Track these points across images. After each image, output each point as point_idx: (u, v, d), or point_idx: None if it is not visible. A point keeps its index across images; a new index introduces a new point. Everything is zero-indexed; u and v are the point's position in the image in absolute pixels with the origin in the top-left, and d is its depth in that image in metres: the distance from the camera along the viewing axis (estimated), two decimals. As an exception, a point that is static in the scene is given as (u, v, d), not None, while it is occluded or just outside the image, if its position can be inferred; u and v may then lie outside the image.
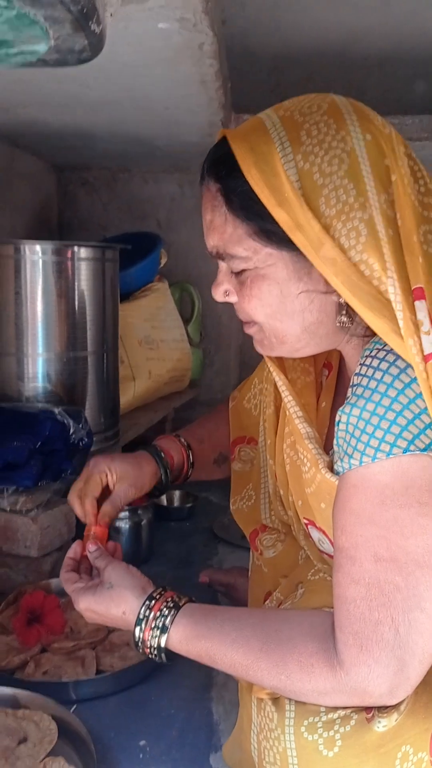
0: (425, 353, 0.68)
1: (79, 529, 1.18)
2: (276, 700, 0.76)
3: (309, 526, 0.91)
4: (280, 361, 0.95)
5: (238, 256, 0.78)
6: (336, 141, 0.74)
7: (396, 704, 0.71)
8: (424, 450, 0.69)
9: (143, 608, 0.81)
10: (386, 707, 0.71)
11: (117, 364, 1.51)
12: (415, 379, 0.69)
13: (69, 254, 1.34)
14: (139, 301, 1.80)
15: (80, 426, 1.26)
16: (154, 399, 1.82)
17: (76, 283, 1.35)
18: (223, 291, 0.83)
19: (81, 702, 0.96)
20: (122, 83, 1.19)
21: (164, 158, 1.97)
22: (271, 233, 0.75)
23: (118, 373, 1.53)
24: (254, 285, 0.79)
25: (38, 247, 1.32)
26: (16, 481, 1.17)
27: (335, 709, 0.72)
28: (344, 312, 0.78)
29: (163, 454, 1.06)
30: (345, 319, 0.78)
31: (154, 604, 0.81)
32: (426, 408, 0.69)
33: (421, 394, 0.69)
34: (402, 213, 0.73)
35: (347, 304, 0.76)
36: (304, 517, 0.92)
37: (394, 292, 0.70)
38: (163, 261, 1.88)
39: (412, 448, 0.69)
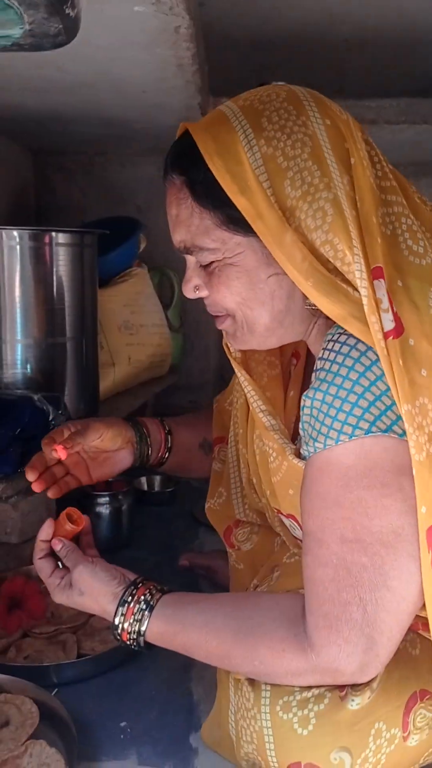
0: (385, 330, 0.69)
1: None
2: (252, 681, 0.78)
3: (279, 515, 0.93)
4: (245, 357, 0.96)
5: (206, 248, 0.79)
6: (297, 126, 0.75)
7: (368, 682, 0.73)
8: (386, 431, 0.70)
9: (117, 616, 0.82)
10: (359, 685, 0.73)
11: (96, 350, 1.51)
12: (375, 362, 0.70)
13: (47, 240, 1.34)
14: (119, 287, 1.79)
15: (59, 412, 1.26)
16: (134, 384, 1.82)
17: (54, 269, 1.34)
18: (192, 287, 0.84)
19: (62, 685, 0.97)
20: (98, 66, 1.18)
21: (141, 141, 1.96)
22: (239, 221, 0.76)
23: (98, 358, 1.53)
24: (223, 274, 0.80)
25: (15, 233, 1.31)
26: (-4, 467, 1.17)
27: (309, 688, 0.74)
28: None
29: (138, 423, 1.07)
30: (310, 302, 0.78)
31: (128, 609, 0.82)
32: (387, 390, 0.70)
33: (381, 375, 0.70)
34: (361, 195, 0.74)
35: None
36: (274, 506, 0.93)
37: (360, 269, 0.71)
38: (142, 245, 1.88)
39: (374, 429, 0.70)
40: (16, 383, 1.34)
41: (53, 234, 1.34)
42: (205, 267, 0.81)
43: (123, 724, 0.93)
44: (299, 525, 0.84)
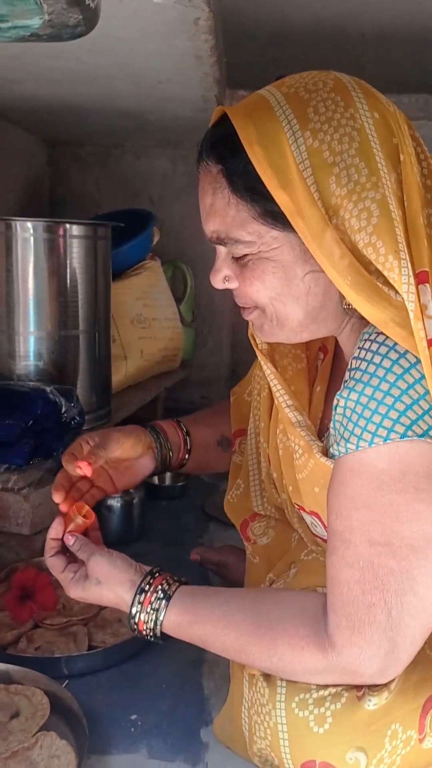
0: (429, 337, 0.67)
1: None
2: (268, 676, 0.77)
3: (300, 511, 0.92)
4: (270, 349, 0.93)
5: (241, 241, 0.76)
6: (345, 119, 0.71)
7: (386, 683, 0.73)
8: (422, 436, 0.69)
9: (134, 605, 0.81)
10: (377, 686, 0.73)
11: (109, 343, 1.51)
12: (414, 364, 0.68)
13: (61, 231, 1.33)
14: (131, 280, 1.79)
15: (72, 405, 1.26)
16: (146, 378, 1.82)
17: (67, 261, 1.34)
18: (222, 277, 0.81)
19: (73, 677, 0.97)
20: (116, 58, 1.17)
21: (156, 133, 1.95)
22: (277, 215, 0.72)
23: (110, 351, 1.52)
24: (257, 268, 0.77)
25: (29, 224, 1.31)
26: (8, 459, 1.17)
27: (326, 686, 0.74)
28: None
29: (156, 427, 1.05)
30: (347, 301, 0.76)
31: (145, 598, 0.81)
32: (425, 394, 0.68)
33: (420, 379, 0.68)
34: (409, 194, 0.71)
35: None
36: (296, 503, 0.92)
37: (407, 274, 0.68)
38: (156, 239, 1.87)
39: (409, 433, 0.69)
40: (29, 375, 1.34)
41: (67, 226, 1.34)
42: (238, 259, 0.79)
43: (134, 717, 0.93)
44: (322, 523, 0.84)
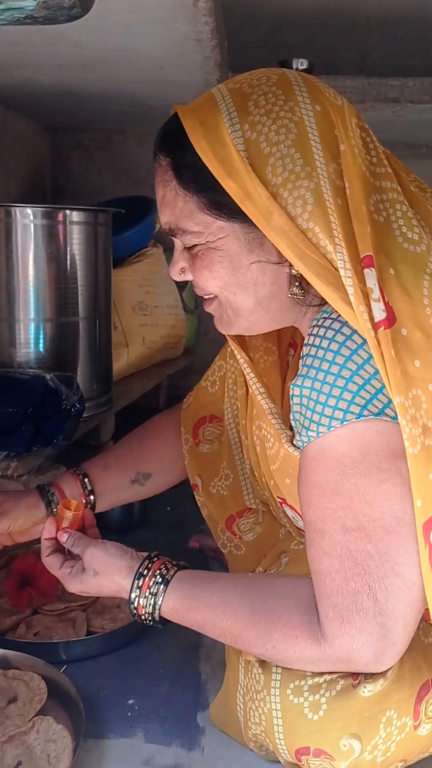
0: (375, 320, 0.68)
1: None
2: (263, 662, 0.77)
3: (283, 505, 0.92)
4: (242, 342, 0.95)
5: (189, 231, 0.79)
6: (284, 111, 0.74)
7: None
8: (378, 414, 0.69)
9: (133, 589, 0.81)
10: (373, 674, 0.73)
11: (110, 330, 1.50)
12: (362, 345, 0.69)
13: (61, 218, 1.33)
14: (133, 267, 1.78)
15: (72, 392, 1.26)
16: (148, 366, 1.82)
17: (68, 248, 1.33)
18: (179, 269, 0.84)
19: (71, 662, 0.98)
20: (115, 42, 1.16)
21: (159, 119, 1.93)
22: (222, 205, 0.75)
23: (111, 339, 1.52)
24: (206, 258, 0.79)
25: (29, 211, 1.30)
26: (8, 446, 1.17)
27: (321, 673, 0.74)
28: (297, 284, 0.78)
29: (51, 488, 1.04)
30: (296, 290, 0.78)
31: (143, 582, 0.81)
32: (376, 372, 0.69)
33: (369, 359, 0.69)
34: (351, 183, 0.73)
35: (300, 276, 0.76)
36: (277, 496, 0.93)
37: (342, 259, 0.70)
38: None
39: (365, 413, 0.69)
40: (29, 362, 1.34)
41: (67, 212, 1.33)
42: (189, 249, 0.81)
43: (131, 701, 0.93)
44: (300, 515, 0.84)
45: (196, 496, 1.08)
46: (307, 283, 0.75)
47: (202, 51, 1.20)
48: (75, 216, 1.34)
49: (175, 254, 0.84)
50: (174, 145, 0.78)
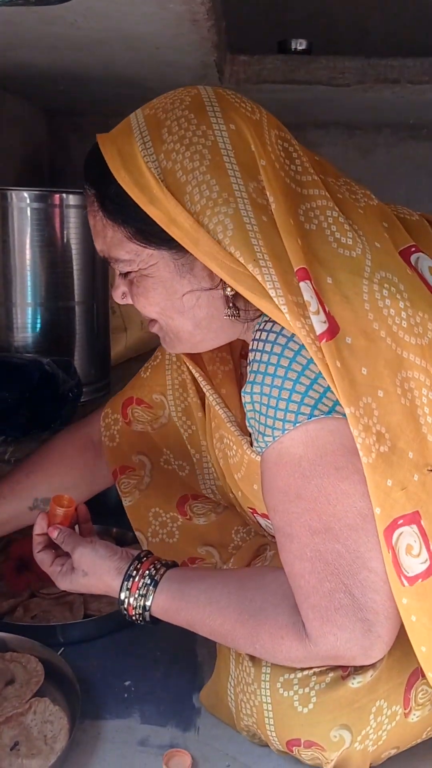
0: (317, 333, 0.68)
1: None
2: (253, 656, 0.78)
3: (255, 515, 0.92)
4: (196, 355, 0.95)
5: (121, 259, 0.79)
6: (197, 136, 0.74)
7: None
8: (328, 413, 0.69)
9: (122, 590, 0.82)
10: (362, 666, 0.73)
11: (108, 315, 1.50)
12: (303, 346, 0.69)
13: (57, 201, 1.32)
14: (132, 251, 1.77)
15: (70, 377, 1.26)
16: (147, 350, 1.80)
17: (65, 231, 1.33)
18: (120, 293, 0.84)
19: (68, 645, 0.99)
20: (111, 23, 1.14)
21: (158, 102, 1.92)
22: (149, 234, 0.75)
23: (109, 323, 1.52)
24: (141, 285, 0.80)
25: (25, 194, 1.29)
26: (5, 431, 1.17)
27: (311, 666, 0.74)
28: (230, 305, 0.78)
29: None
30: (230, 311, 0.78)
31: (132, 584, 0.81)
32: (320, 373, 0.69)
33: (311, 360, 0.69)
34: (275, 197, 0.73)
35: (234, 296, 0.76)
36: (248, 507, 0.93)
37: (270, 280, 0.69)
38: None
39: (316, 413, 0.69)
40: (27, 347, 1.34)
41: (63, 195, 1.32)
42: (125, 276, 0.82)
43: (127, 683, 0.94)
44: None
45: (120, 482, 1.05)
46: (245, 300, 0.74)
47: (198, 31, 1.18)
48: (72, 199, 1.33)
49: (116, 279, 0.84)
50: (97, 175, 0.78)
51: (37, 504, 1.05)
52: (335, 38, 1.85)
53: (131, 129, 0.77)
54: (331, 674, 0.74)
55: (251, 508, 0.92)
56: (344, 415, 0.68)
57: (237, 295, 0.76)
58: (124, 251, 0.78)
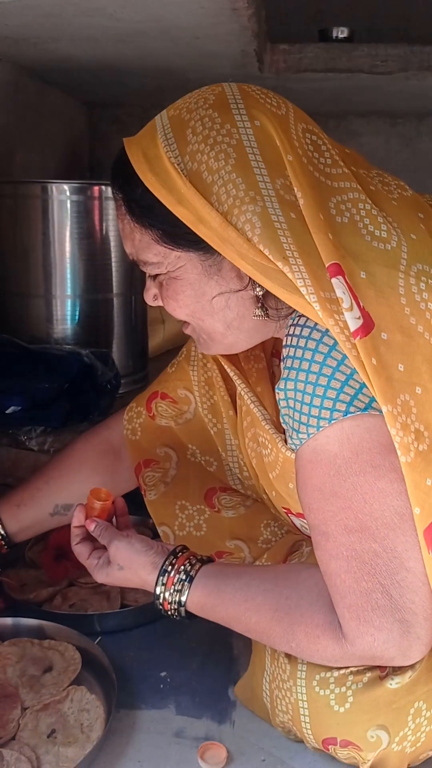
0: (351, 330, 0.66)
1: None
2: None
3: (289, 515, 0.91)
4: (233, 354, 0.93)
5: (150, 262, 0.78)
6: (221, 135, 0.72)
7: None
8: (365, 410, 0.68)
9: (158, 585, 0.81)
10: (401, 667, 0.72)
11: (145, 306, 1.51)
12: (337, 342, 0.67)
13: (96, 194, 1.33)
14: (170, 243, 1.77)
15: (108, 368, 1.27)
16: (184, 343, 1.81)
17: (103, 224, 1.34)
18: (152, 296, 0.83)
19: (105, 634, 1.00)
20: (150, 13, 1.14)
21: (197, 93, 1.91)
22: (177, 236, 0.75)
23: (147, 315, 1.53)
24: (170, 287, 0.79)
25: (65, 187, 1.31)
26: (44, 421, 1.19)
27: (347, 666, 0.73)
28: (260, 305, 0.77)
29: None
30: (260, 312, 0.77)
31: (168, 579, 0.81)
32: (354, 369, 0.67)
33: (345, 356, 0.67)
34: (303, 192, 0.71)
35: (263, 296, 0.75)
36: (282, 507, 0.92)
37: (301, 278, 0.68)
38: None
39: (351, 409, 0.68)
40: (66, 339, 1.35)
41: (103, 188, 1.33)
42: (155, 278, 0.81)
43: (163, 674, 0.94)
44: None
45: (144, 475, 1.04)
46: (276, 299, 0.73)
47: (238, 20, 1.17)
48: (110, 192, 1.34)
49: (147, 281, 0.84)
50: (124, 179, 0.77)
51: (58, 510, 1.05)
52: (377, 26, 1.82)
53: (156, 131, 0.76)
54: (368, 674, 0.73)
55: (285, 509, 0.91)
56: (381, 411, 0.67)
57: (267, 295, 0.75)
58: (152, 254, 0.78)
